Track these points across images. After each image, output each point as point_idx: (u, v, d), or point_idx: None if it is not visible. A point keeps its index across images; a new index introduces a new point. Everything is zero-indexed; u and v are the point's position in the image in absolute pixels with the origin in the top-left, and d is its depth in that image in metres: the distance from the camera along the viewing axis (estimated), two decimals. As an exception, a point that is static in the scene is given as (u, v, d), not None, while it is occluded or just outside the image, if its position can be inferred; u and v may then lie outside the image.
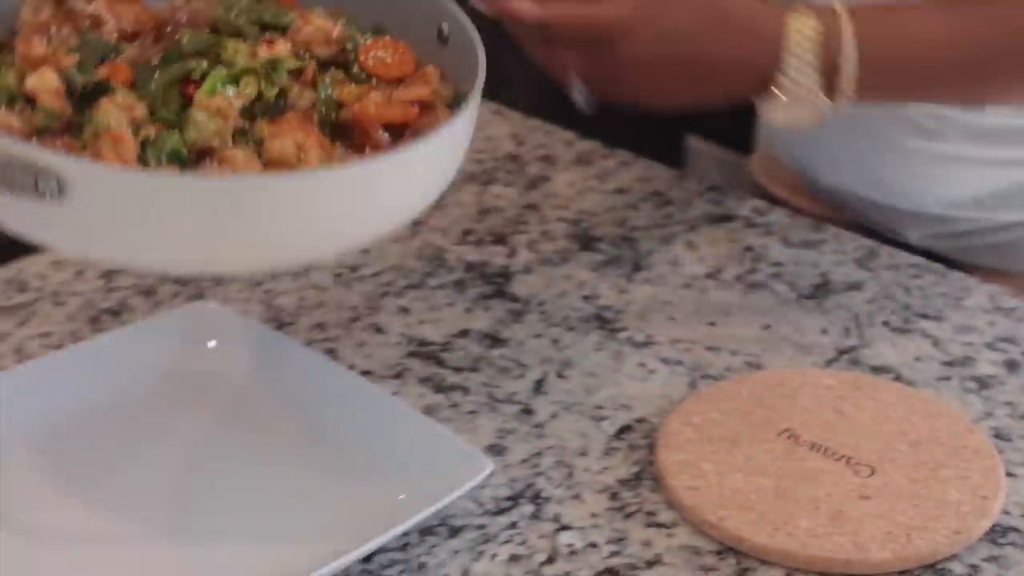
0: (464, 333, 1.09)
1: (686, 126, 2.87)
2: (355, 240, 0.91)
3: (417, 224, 1.22)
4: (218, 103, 0.86)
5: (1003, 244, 1.27)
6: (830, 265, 1.17)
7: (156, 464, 0.95)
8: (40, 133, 0.84)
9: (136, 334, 1.04)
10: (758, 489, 0.91)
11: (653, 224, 1.23)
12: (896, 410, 0.99)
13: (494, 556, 0.88)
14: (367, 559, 0.87)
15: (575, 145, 1.36)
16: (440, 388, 1.03)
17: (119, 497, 0.92)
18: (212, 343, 1.03)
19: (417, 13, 0.97)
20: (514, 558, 0.87)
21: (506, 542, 0.89)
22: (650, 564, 0.88)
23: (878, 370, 1.05)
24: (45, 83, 0.85)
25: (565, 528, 0.90)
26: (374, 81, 0.92)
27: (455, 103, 0.92)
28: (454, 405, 1.01)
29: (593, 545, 0.89)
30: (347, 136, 0.89)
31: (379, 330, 1.09)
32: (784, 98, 1.01)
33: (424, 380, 1.04)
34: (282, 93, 0.89)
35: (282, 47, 0.91)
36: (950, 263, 1.24)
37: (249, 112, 0.87)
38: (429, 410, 1.00)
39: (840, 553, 0.87)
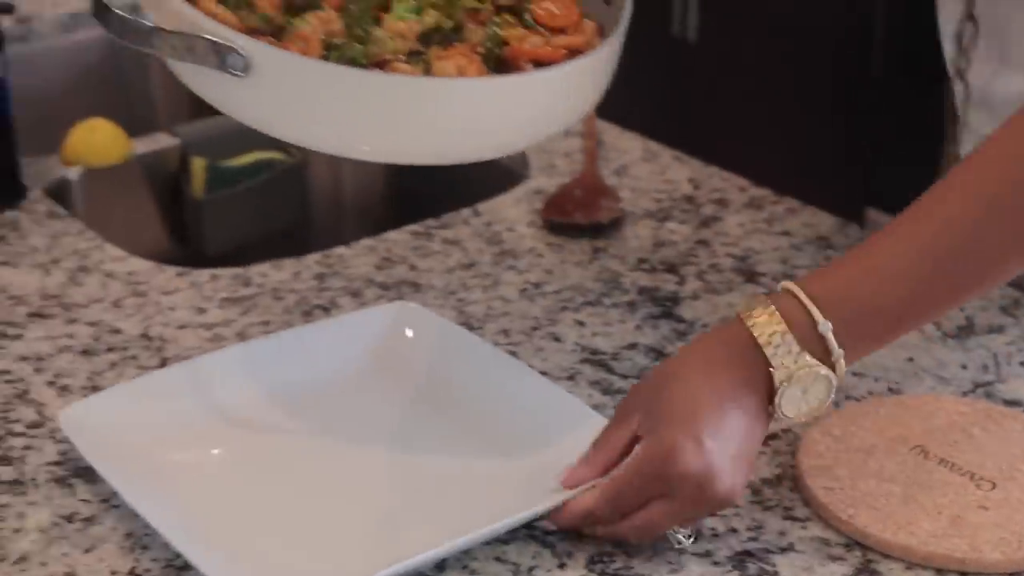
0: (632, 346, 1.21)
1: (869, 200, 2.95)
2: (492, 147, 1.02)
3: (598, 251, 1.35)
4: (400, 27, 1.00)
5: None
6: (975, 309, 1.27)
7: (359, 433, 1.09)
8: (251, 32, 0.97)
9: (347, 321, 1.19)
10: (887, 493, 1.02)
11: (814, 264, 1.34)
12: (1022, 437, 1.08)
13: (645, 531, 0.99)
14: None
15: (748, 191, 1.47)
16: (608, 391, 1.15)
17: (327, 459, 1.07)
18: (409, 333, 1.17)
19: None
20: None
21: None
22: (783, 551, 0.98)
23: (1011, 403, 1.14)
24: None
25: (709, 515, 1.01)
26: (541, 29, 1.04)
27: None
28: (619, 406, 1.13)
29: (733, 530, 1.00)
30: (505, 71, 1.01)
31: (556, 339, 1.22)
32: (790, 385, 0.95)
33: (594, 383, 1.16)
34: (457, 27, 1.02)
35: None
36: None
37: (426, 39, 1.00)
38: (597, 407, 1.12)
39: (956, 552, 0.97)
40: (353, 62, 0.98)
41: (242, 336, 1.21)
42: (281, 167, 1.68)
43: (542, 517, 0.98)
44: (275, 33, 0.99)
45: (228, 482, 1.04)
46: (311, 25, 0.99)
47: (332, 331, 1.17)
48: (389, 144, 0.98)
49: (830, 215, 1.42)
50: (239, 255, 1.40)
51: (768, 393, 0.95)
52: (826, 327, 0.94)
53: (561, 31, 1.06)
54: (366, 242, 1.38)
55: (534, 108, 1.00)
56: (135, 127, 1.68)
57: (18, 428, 1.10)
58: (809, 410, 0.96)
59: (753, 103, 3.06)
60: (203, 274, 1.31)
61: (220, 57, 0.93)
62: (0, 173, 1.46)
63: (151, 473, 1.02)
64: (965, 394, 1.15)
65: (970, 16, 1.20)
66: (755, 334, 0.95)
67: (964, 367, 1.19)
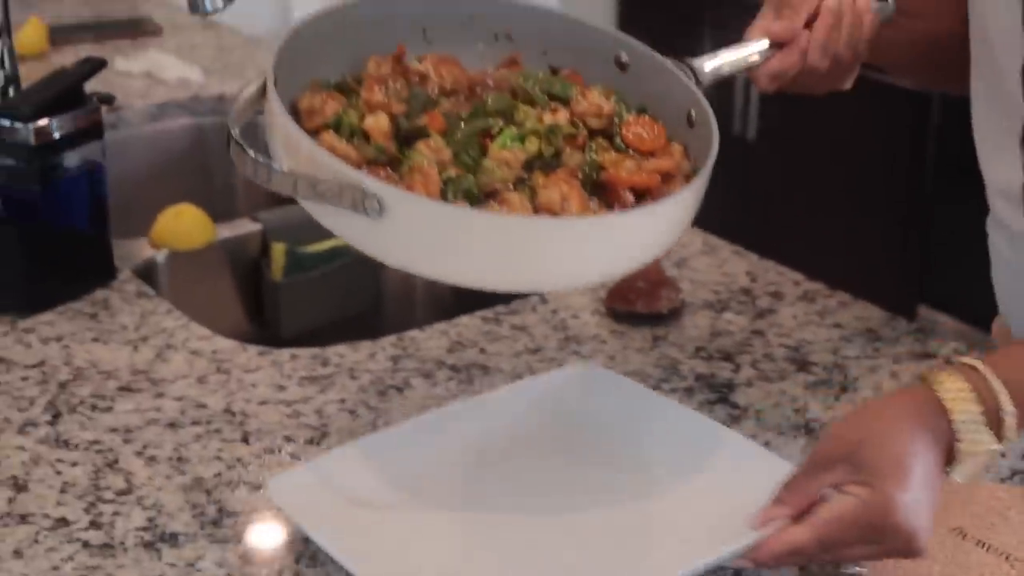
0: (689, 430, 1.28)
1: (922, 296, 2.99)
2: (598, 275, 1.11)
3: (658, 339, 1.42)
4: (506, 156, 1.09)
5: None
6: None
7: (550, 489, 1.17)
8: (369, 163, 1.06)
9: (529, 385, 1.28)
10: (927, 571, 1.07)
11: (863, 355, 1.40)
12: (1057, 522, 1.14)
13: None
14: None
15: (802, 284, 1.54)
16: (664, 471, 1.22)
17: (523, 514, 1.14)
18: (593, 394, 1.25)
19: (673, 99, 1.18)
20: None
21: None
22: (828, 624, 1.04)
23: (1048, 491, 1.20)
24: (379, 125, 1.09)
25: None
26: (631, 152, 1.13)
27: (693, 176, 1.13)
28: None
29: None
30: (602, 194, 1.10)
31: (617, 421, 1.29)
32: (967, 461, 1.03)
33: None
34: (557, 153, 1.11)
35: (562, 116, 1.14)
36: None
37: (529, 165, 1.09)
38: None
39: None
40: (468, 193, 1.06)
41: (320, 413, 1.29)
42: (357, 254, 1.75)
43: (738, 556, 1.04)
44: (390, 163, 1.08)
45: (427, 537, 1.10)
46: (426, 158, 1.07)
47: (516, 394, 1.25)
48: (511, 276, 1.05)
49: (880, 309, 1.49)
50: (314, 337, 1.48)
51: (947, 455, 1.03)
52: (1010, 414, 1.02)
53: (651, 154, 1.15)
54: (439, 326, 1.45)
55: (639, 239, 1.07)
56: (219, 213, 1.77)
57: (108, 495, 1.18)
58: (972, 476, 1.04)
59: (809, 200, 3.14)
60: (283, 354, 1.39)
61: (356, 201, 1.00)
62: (94, 253, 1.55)
63: (353, 532, 1.09)
64: (1003, 480, 1.21)
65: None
66: (942, 398, 1.03)
67: (1003, 455, 1.24)
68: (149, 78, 2.24)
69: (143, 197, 1.85)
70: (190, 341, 1.42)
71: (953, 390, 1.03)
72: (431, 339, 1.43)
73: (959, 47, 1.28)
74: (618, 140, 1.15)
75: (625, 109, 1.17)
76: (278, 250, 1.72)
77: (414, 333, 1.44)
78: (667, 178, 1.12)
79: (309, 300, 1.74)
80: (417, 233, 1.01)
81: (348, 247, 1.71)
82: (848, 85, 1.28)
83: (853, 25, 1.22)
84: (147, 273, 1.62)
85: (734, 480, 1.13)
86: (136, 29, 2.50)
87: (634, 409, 1.23)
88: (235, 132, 1.04)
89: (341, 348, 1.40)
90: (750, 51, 1.22)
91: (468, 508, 1.13)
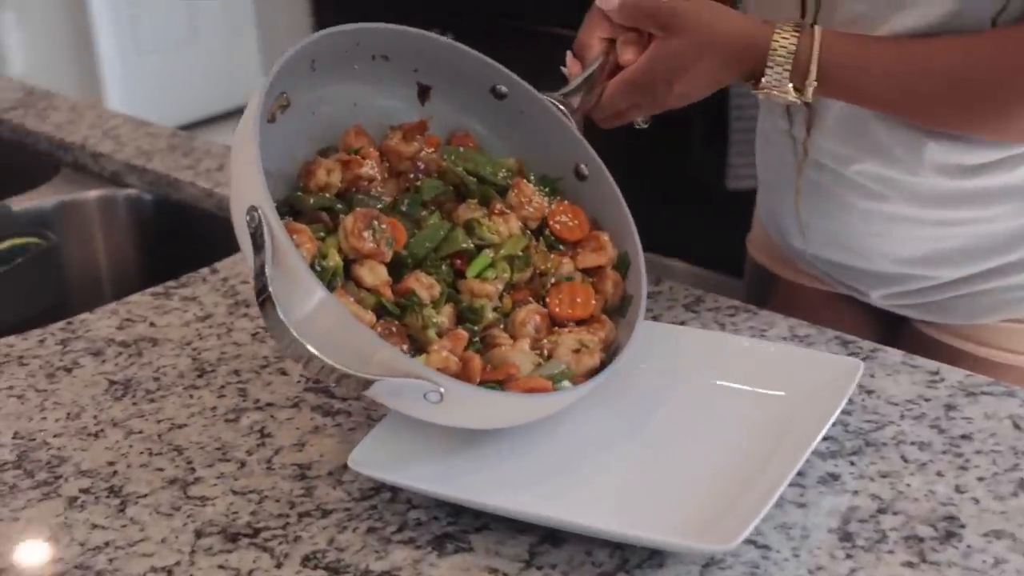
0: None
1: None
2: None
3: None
4: (488, 289, 1.18)
5: (944, 301, 1.45)
6: (661, 310, 1.41)
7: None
8: (376, 311, 1.12)
9: None
10: None
11: None
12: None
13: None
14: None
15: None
16: (328, 412, 1.27)
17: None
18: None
19: (555, 143, 1.27)
20: (369, 527, 1.10)
21: (365, 517, 1.12)
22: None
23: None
24: (380, 277, 1.13)
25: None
26: (560, 246, 1.24)
27: (620, 264, 1.24)
28: (338, 424, 1.25)
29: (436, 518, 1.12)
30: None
31: (284, 373, 1.33)
32: (762, 92, 1.27)
33: (316, 407, 1.27)
34: (529, 277, 1.22)
35: (514, 223, 1.22)
36: (906, 321, 1.48)
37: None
38: (318, 428, 1.23)
39: None
40: (483, 341, 1.16)
41: (-11, 401, 1.31)
42: (37, 251, 1.76)
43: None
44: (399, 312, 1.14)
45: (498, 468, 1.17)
46: (439, 317, 1.14)
47: None
48: (527, 418, 1.16)
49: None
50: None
51: (740, 76, 1.29)
52: (812, 85, 1.27)
53: (578, 243, 1.24)
54: (109, 306, 1.48)
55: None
56: None
57: None
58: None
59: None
60: (-46, 351, 1.40)
61: (422, 394, 1.06)
62: None
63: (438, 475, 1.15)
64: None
65: None
66: (772, 44, 1.26)
67: (650, 360, 1.32)
68: None
69: None
70: None
71: (782, 43, 1.25)
72: (101, 319, 1.45)
73: None
74: (548, 235, 1.24)
75: (545, 186, 1.26)
76: (-50, 255, 1.72)
77: (84, 316, 1.46)
78: (597, 271, 1.23)
79: (-11, 301, 1.74)
80: (467, 409, 1.11)
81: (23, 244, 1.77)
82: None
83: None
84: None
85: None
86: None
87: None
88: (279, 312, 1.03)
89: (11, 339, 1.42)
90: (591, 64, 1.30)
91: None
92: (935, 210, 1.39)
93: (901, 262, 1.44)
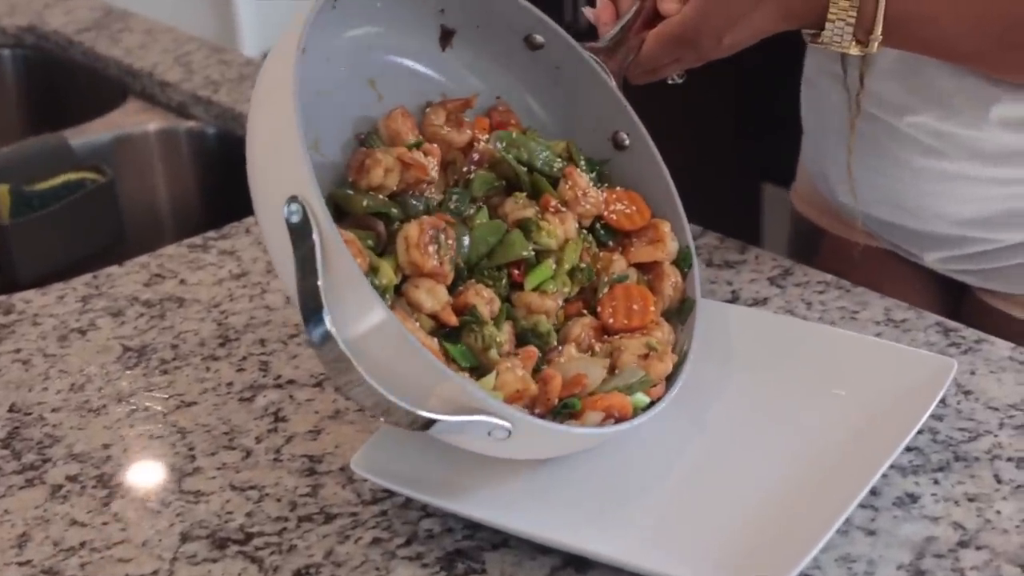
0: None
1: (764, 176, 2.94)
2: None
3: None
4: (548, 305, 1.01)
5: (1008, 268, 1.30)
6: (744, 283, 1.25)
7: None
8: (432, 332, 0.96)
9: None
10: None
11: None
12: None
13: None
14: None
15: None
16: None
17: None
18: None
19: (593, 105, 1.10)
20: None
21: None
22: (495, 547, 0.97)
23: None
24: (439, 301, 0.97)
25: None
26: (613, 239, 1.08)
27: (682, 260, 1.08)
28: (359, 410, 1.12)
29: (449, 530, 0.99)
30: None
31: (312, 345, 1.21)
32: (821, 45, 1.13)
33: (339, 388, 1.14)
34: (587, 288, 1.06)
35: (571, 225, 1.04)
36: (967, 289, 1.33)
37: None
38: (338, 412, 1.10)
39: None
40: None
41: (-6, 366, 1.20)
42: (92, 187, 1.66)
43: None
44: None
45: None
46: (500, 335, 0.99)
47: None
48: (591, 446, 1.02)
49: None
50: (59, 279, 1.36)
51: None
52: (876, 40, 1.12)
53: (633, 234, 1.08)
54: (140, 259, 1.36)
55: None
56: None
57: None
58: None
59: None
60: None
61: (486, 432, 0.91)
62: None
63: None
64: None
65: None
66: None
67: (721, 343, 1.17)
68: None
69: None
70: None
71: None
72: (129, 274, 1.34)
73: None
74: (600, 230, 1.08)
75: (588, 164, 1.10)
76: (1, 191, 1.61)
77: (112, 269, 1.35)
78: (653, 268, 1.07)
79: (43, 241, 1.64)
80: (533, 441, 0.95)
81: (80, 180, 1.66)
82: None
83: None
84: None
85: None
86: None
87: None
88: (343, 345, 0.86)
89: (29, 293, 1.31)
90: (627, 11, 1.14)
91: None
92: (997, 168, 1.24)
93: (959, 223, 1.29)
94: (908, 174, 1.29)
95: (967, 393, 1.09)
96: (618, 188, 1.09)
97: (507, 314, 1.01)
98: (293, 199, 0.87)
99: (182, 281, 1.32)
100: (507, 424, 0.90)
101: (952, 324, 1.18)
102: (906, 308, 1.20)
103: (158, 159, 1.74)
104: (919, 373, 1.05)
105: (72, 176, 1.66)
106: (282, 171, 0.90)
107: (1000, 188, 1.26)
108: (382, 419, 0.89)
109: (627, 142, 1.10)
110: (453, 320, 0.96)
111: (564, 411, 0.97)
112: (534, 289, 1.02)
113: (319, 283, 0.86)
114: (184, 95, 1.75)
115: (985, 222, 1.28)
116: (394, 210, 0.99)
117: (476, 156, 1.06)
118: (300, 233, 0.87)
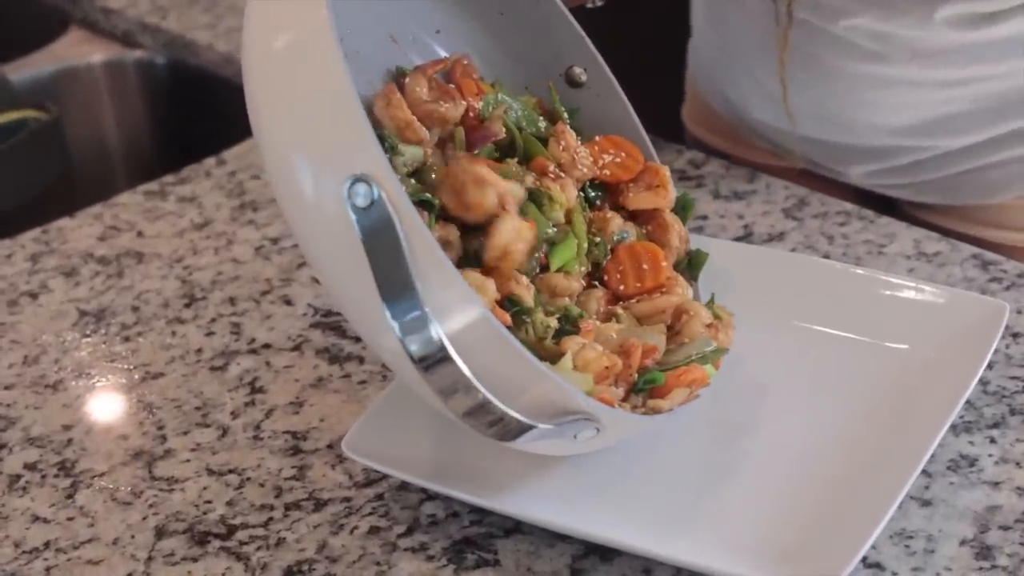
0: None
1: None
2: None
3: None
4: (574, 286, 0.88)
5: (945, 178, 1.22)
6: (756, 216, 1.15)
7: None
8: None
9: None
10: None
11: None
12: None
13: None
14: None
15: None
16: (336, 359, 1.03)
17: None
18: None
19: (541, 50, 0.97)
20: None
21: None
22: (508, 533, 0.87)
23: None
24: (489, 295, 0.82)
25: None
26: (604, 192, 0.95)
27: (682, 206, 0.96)
28: (346, 375, 1.01)
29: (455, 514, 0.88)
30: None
31: (288, 303, 1.09)
32: None
33: (321, 351, 1.04)
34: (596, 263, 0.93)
35: (572, 191, 0.90)
36: (890, 203, 1.21)
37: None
38: (322, 379, 1.00)
39: None
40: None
41: (-65, 338, 1.08)
42: (36, 126, 1.53)
43: None
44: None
45: None
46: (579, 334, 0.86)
47: None
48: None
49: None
50: (1, 232, 1.24)
51: None
52: None
53: (631, 181, 0.95)
54: (93, 210, 1.24)
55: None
56: None
57: None
58: None
59: None
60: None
61: (573, 435, 0.80)
62: None
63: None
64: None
65: None
66: None
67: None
68: None
69: None
70: None
71: None
72: (82, 227, 1.22)
73: None
74: (590, 192, 0.94)
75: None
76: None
77: (63, 223, 1.23)
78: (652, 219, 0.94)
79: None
80: (614, 435, 0.84)
81: (21, 119, 1.53)
82: None
83: None
84: None
85: None
86: None
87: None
88: (453, 353, 0.75)
89: (-23, 251, 1.19)
90: None
91: None
92: (938, 69, 1.16)
93: (892, 132, 1.20)
94: (842, 84, 1.20)
95: (1015, 336, 0.99)
96: (597, 137, 0.97)
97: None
98: (359, 180, 0.74)
99: (139, 233, 1.20)
100: (599, 424, 0.80)
101: (990, 256, 1.08)
102: (937, 239, 1.10)
103: (105, 93, 1.61)
104: (967, 318, 0.95)
105: (13, 115, 1.53)
106: (337, 145, 0.76)
107: (939, 91, 1.17)
108: (485, 431, 0.78)
109: (583, 78, 0.98)
110: (507, 318, 0.82)
111: (647, 386, 0.86)
112: (558, 270, 0.89)
113: (414, 281, 0.74)
114: (130, 22, 1.62)
115: (921, 129, 1.20)
116: (426, 195, 0.85)
117: (486, 133, 0.90)
118: (374, 220, 0.74)
